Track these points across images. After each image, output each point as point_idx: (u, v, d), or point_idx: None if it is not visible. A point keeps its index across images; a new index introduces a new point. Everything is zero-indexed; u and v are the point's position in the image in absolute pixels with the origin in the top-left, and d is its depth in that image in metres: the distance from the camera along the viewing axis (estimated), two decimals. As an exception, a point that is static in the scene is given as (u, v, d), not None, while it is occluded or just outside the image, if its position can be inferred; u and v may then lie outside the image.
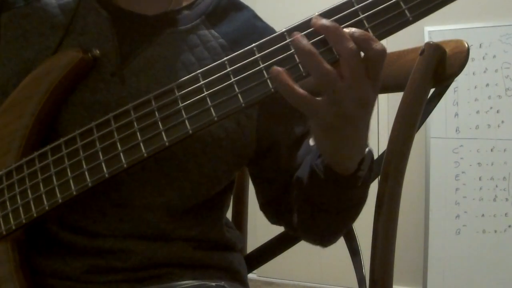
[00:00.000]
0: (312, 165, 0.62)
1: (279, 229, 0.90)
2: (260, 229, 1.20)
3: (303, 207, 0.68)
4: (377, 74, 0.50)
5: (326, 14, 0.51)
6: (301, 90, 0.49)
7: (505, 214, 2.21)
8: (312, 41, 0.50)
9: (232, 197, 0.81)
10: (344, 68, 0.48)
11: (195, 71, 0.65)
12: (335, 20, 0.50)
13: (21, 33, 0.65)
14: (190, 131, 0.55)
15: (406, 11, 0.49)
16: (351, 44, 0.48)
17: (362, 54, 0.49)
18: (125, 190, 0.62)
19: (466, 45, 0.70)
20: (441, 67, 0.70)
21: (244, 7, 0.75)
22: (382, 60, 0.49)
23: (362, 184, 0.61)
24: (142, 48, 0.66)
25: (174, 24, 0.68)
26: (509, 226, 2.20)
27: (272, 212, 0.78)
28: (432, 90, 0.75)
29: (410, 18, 0.49)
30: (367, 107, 0.51)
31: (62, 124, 0.63)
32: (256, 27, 0.73)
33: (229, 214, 0.81)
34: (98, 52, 0.63)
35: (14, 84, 0.64)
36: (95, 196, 0.61)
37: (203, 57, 0.67)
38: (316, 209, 0.66)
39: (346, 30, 0.49)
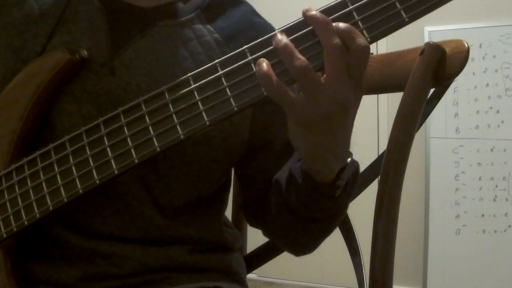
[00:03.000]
0: (291, 168, 0.61)
1: (279, 229, 0.90)
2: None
3: (279, 211, 0.66)
4: (359, 73, 0.49)
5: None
6: (278, 82, 0.49)
7: (505, 214, 2.21)
8: (299, 34, 0.50)
9: (231, 197, 0.80)
10: (326, 62, 0.48)
11: (188, 66, 0.64)
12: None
13: (10, 21, 0.64)
14: (182, 136, 0.54)
15: (402, 12, 0.48)
16: (337, 39, 0.47)
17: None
18: (116, 184, 0.61)
19: (466, 45, 0.70)
20: (441, 67, 0.70)
21: (241, 2, 0.73)
22: (365, 56, 0.48)
23: (341, 195, 0.60)
24: (134, 40, 0.64)
25: (168, 16, 0.67)
26: (509, 226, 2.20)
27: (250, 213, 0.77)
28: (432, 90, 0.75)
29: (406, 19, 0.48)
30: (346, 108, 0.49)
31: (52, 114, 0.61)
32: (253, 23, 0.72)
33: (228, 214, 0.81)
34: (86, 52, 0.61)
35: (2, 74, 0.62)
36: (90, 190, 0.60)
37: (196, 52, 0.66)
38: (292, 215, 0.64)
39: (333, 24, 0.48)
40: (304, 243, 0.70)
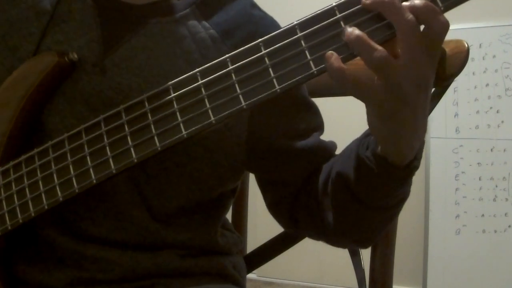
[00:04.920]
0: (361, 158, 0.56)
1: (279, 229, 0.90)
2: (260, 229, 1.19)
3: (344, 204, 0.62)
4: (436, 50, 0.46)
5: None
6: (354, 76, 0.46)
7: (505, 214, 2.21)
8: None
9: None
10: (401, 43, 0.45)
11: (180, 65, 0.63)
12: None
13: (6, 19, 0.63)
14: (159, 148, 0.53)
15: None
16: (410, 16, 0.44)
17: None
18: (106, 184, 0.59)
19: (466, 45, 0.69)
20: (441, 67, 0.70)
21: None
22: (444, 34, 0.46)
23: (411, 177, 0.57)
24: (126, 38, 0.63)
25: (162, 13, 0.65)
26: (509, 226, 2.20)
27: (284, 213, 0.73)
28: (432, 90, 0.75)
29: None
30: (425, 87, 0.47)
31: (44, 115, 0.61)
32: (252, 16, 0.69)
33: (228, 215, 0.80)
34: (76, 55, 0.61)
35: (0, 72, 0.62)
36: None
37: (190, 50, 0.64)
38: (362, 207, 0.60)
39: (405, 2, 0.45)
40: (371, 234, 0.66)
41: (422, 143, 0.55)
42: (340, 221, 0.64)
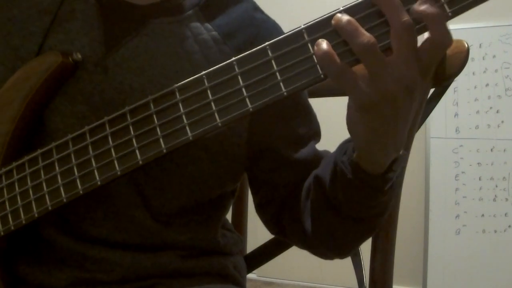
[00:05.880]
0: (336, 163, 0.57)
1: (279, 229, 0.90)
2: (260, 229, 1.19)
3: (320, 211, 0.62)
4: (430, 61, 0.46)
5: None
6: (341, 62, 0.46)
7: (505, 214, 2.21)
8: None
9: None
10: (393, 40, 0.45)
11: (182, 65, 0.63)
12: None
13: (9, 18, 0.63)
14: (165, 151, 0.53)
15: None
16: (406, 17, 0.45)
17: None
18: (108, 185, 0.59)
19: (466, 45, 0.69)
20: (441, 67, 0.70)
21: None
22: (443, 45, 0.46)
23: (388, 191, 0.56)
24: (128, 38, 0.63)
25: (165, 14, 0.65)
26: (509, 226, 2.20)
27: (270, 217, 0.73)
28: (432, 90, 0.75)
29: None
30: (411, 92, 0.46)
31: (45, 114, 0.61)
32: (254, 19, 0.69)
33: (228, 215, 0.80)
34: (79, 56, 0.60)
35: (1, 72, 0.62)
36: None
37: (192, 51, 0.64)
38: (335, 215, 0.60)
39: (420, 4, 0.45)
40: (345, 244, 0.66)
41: (400, 157, 0.55)
42: (316, 228, 0.64)
